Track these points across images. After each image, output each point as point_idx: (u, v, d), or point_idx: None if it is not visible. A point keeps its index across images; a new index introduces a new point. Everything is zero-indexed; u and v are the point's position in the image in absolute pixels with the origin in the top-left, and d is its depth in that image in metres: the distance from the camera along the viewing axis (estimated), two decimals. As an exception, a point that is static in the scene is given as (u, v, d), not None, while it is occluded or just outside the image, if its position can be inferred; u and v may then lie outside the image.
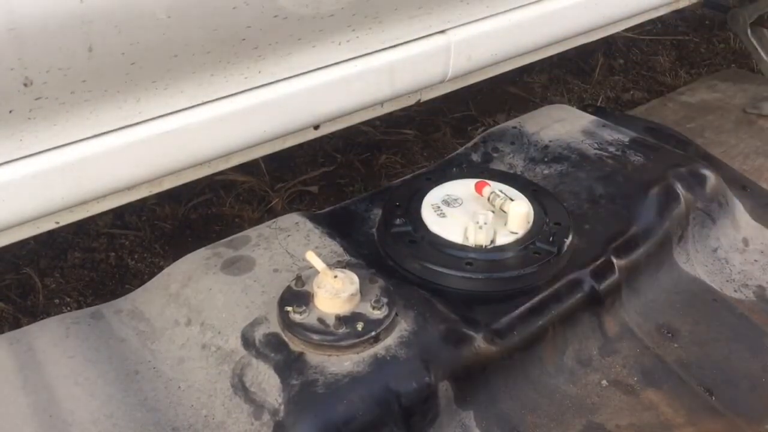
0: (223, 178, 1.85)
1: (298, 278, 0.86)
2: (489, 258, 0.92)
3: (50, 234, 0.97)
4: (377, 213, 1.05)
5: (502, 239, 0.94)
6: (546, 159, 1.17)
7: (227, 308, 0.87)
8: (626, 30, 1.55)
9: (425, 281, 0.92)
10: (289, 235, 0.98)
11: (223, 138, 0.98)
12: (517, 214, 0.93)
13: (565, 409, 0.89)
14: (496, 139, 1.21)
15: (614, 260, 0.98)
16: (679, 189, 1.10)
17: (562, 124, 1.25)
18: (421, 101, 1.25)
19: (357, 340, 0.80)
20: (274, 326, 0.84)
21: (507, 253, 0.93)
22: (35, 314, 1.55)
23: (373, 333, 0.81)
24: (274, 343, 0.82)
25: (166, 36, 0.84)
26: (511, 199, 0.96)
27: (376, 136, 2.10)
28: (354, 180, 1.96)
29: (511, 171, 1.15)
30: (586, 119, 1.28)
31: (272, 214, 1.80)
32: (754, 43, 2.06)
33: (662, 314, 1.02)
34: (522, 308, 0.90)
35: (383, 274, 0.89)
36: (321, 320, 0.82)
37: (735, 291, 1.08)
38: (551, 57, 1.47)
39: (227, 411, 0.79)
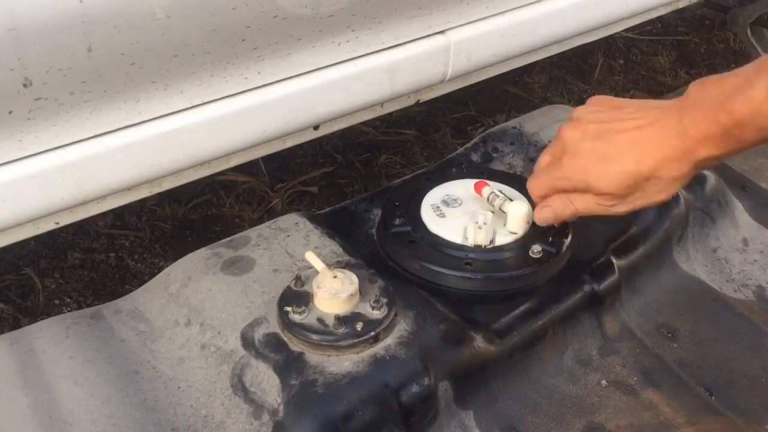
0: (223, 178, 1.85)
1: (298, 278, 0.86)
2: (488, 258, 0.92)
3: (50, 234, 0.97)
4: (377, 213, 1.05)
5: (502, 239, 0.94)
6: (546, 159, 1.17)
7: (227, 308, 0.87)
8: (626, 30, 1.55)
9: (425, 281, 0.92)
10: (288, 236, 0.98)
11: (222, 138, 0.99)
12: (516, 215, 0.93)
13: (565, 409, 0.89)
14: (495, 139, 1.21)
15: (614, 260, 0.98)
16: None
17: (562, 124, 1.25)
18: (421, 101, 1.25)
19: (356, 340, 0.80)
20: (274, 326, 0.84)
21: (506, 254, 0.93)
22: (35, 314, 1.56)
23: (372, 333, 0.81)
24: (274, 343, 0.82)
25: (165, 36, 0.84)
26: (511, 200, 0.96)
27: (376, 136, 2.10)
28: (354, 180, 1.96)
29: (511, 171, 1.15)
30: (585, 119, 1.27)
31: (272, 214, 1.81)
32: (754, 43, 2.06)
33: (662, 314, 1.02)
34: (521, 308, 0.90)
35: (383, 274, 0.89)
36: (320, 320, 0.82)
37: (735, 291, 1.08)
38: (551, 57, 1.47)
39: (227, 411, 0.79)
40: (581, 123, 0.85)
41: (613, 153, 0.80)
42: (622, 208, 0.84)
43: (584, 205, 0.86)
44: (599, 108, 0.86)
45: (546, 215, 0.90)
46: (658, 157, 0.78)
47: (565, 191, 0.87)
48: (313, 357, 0.80)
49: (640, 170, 0.79)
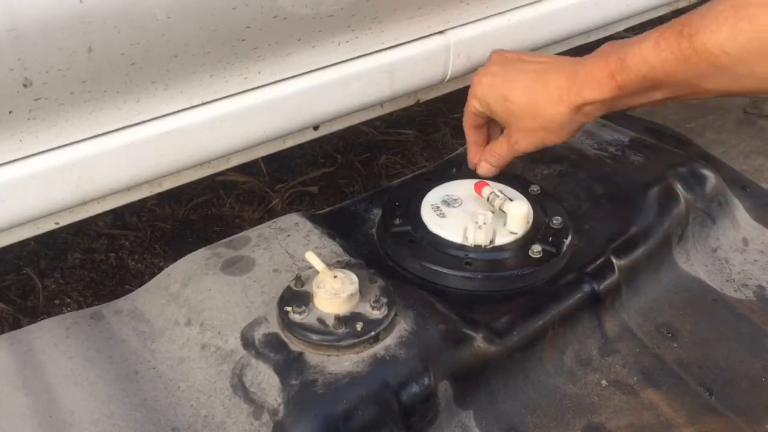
0: (223, 178, 1.85)
1: (298, 278, 0.86)
2: (488, 258, 0.92)
3: (50, 234, 0.97)
4: (377, 213, 1.05)
5: (502, 239, 0.94)
6: (546, 159, 1.17)
7: (227, 308, 0.87)
8: (626, 30, 1.55)
9: (425, 281, 0.92)
10: (288, 236, 0.98)
11: (223, 138, 0.99)
12: (516, 215, 0.93)
13: (565, 409, 0.89)
14: (495, 139, 1.21)
15: (614, 260, 0.98)
16: (679, 189, 1.10)
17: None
18: (421, 101, 1.25)
19: (356, 340, 0.80)
20: (274, 326, 0.84)
21: (506, 253, 0.93)
22: (35, 315, 1.56)
23: (372, 333, 0.81)
24: (274, 343, 0.82)
25: (165, 36, 0.84)
26: (511, 199, 0.96)
27: (376, 136, 2.10)
28: (354, 180, 1.96)
29: (511, 171, 1.15)
30: (585, 119, 1.27)
31: (272, 214, 1.81)
32: (754, 42, 2.06)
33: (662, 314, 1.02)
34: (521, 308, 0.91)
35: (383, 274, 0.89)
36: (320, 320, 0.82)
37: (735, 291, 1.08)
38: (551, 57, 1.47)
39: (227, 411, 0.79)
40: (489, 65, 0.97)
41: (511, 87, 0.91)
42: (522, 143, 0.94)
43: (500, 147, 0.98)
44: (506, 52, 0.98)
45: (485, 169, 1.02)
46: (544, 95, 0.87)
47: (478, 114, 0.98)
48: (313, 357, 0.80)
49: (529, 103, 0.89)
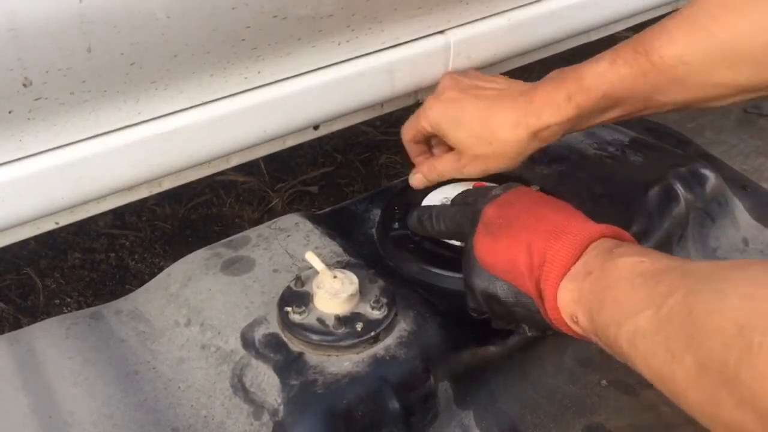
0: (223, 178, 1.85)
1: (298, 278, 0.86)
2: (488, 258, 0.92)
3: (50, 234, 0.97)
4: (377, 213, 1.05)
5: (502, 239, 0.93)
6: (545, 159, 1.17)
7: (227, 308, 0.87)
8: (626, 30, 1.55)
9: (425, 282, 0.92)
10: (288, 236, 0.98)
11: (223, 138, 0.98)
12: (516, 215, 0.93)
13: (565, 409, 0.89)
14: (495, 139, 1.21)
15: (614, 260, 0.98)
16: (679, 189, 1.10)
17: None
18: (421, 101, 1.25)
19: (356, 341, 0.80)
20: (274, 326, 0.84)
21: (506, 254, 0.93)
22: (35, 315, 1.56)
23: (372, 333, 0.81)
24: (274, 343, 0.82)
25: (165, 36, 0.84)
26: (511, 199, 0.95)
27: (376, 136, 2.10)
28: (354, 180, 1.96)
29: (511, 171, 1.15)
30: (586, 119, 1.27)
31: (272, 214, 1.81)
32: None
33: (662, 314, 1.01)
34: (522, 308, 0.90)
35: (383, 275, 0.89)
36: (320, 320, 0.82)
37: (735, 291, 1.07)
38: (551, 57, 1.47)
39: (227, 411, 0.79)
40: (443, 91, 0.95)
41: (464, 112, 0.89)
42: (471, 168, 0.92)
43: (444, 166, 0.95)
44: (460, 77, 0.97)
45: (417, 181, 1.00)
46: (500, 120, 0.85)
47: (425, 134, 0.96)
48: (313, 357, 0.80)
49: (484, 129, 0.87)
